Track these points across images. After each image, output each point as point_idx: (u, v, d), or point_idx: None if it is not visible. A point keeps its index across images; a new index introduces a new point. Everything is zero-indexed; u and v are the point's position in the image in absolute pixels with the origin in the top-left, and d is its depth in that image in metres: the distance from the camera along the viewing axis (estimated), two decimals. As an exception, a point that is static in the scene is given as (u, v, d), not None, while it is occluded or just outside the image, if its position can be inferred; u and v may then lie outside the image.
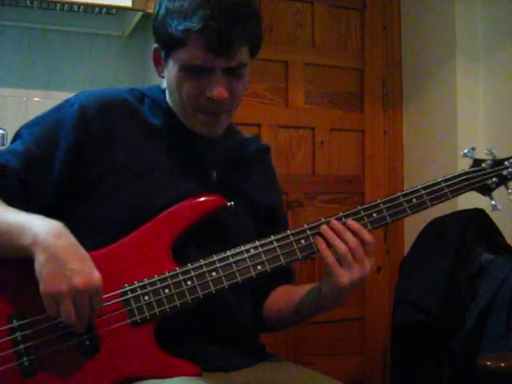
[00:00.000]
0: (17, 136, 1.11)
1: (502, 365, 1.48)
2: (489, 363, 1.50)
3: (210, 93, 1.05)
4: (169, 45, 1.05)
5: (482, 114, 2.54)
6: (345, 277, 1.01)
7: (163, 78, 1.14)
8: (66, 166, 1.05)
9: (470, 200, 2.29)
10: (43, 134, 1.08)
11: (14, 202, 1.02)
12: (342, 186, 2.72)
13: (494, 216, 2.11)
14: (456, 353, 1.91)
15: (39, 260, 0.91)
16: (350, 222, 1.04)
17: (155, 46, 1.11)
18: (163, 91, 1.19)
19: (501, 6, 2.47)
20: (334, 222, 1.04)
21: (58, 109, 1.11)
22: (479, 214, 2.09)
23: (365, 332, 2.75)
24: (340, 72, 2.76)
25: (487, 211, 2.11)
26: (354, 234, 1.03)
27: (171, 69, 1.08)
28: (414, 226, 2.58)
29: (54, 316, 0.91)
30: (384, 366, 2.74)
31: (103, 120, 1.08)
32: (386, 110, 2.84)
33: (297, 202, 2.61)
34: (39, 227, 0.93)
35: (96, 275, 0.92)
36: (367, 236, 1.03)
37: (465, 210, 2.15)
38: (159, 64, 1.13)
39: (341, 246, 1.01)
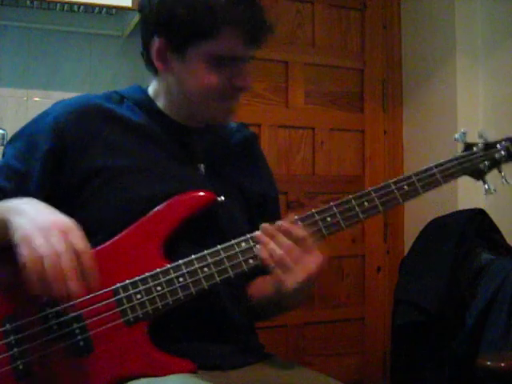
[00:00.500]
0: (4, 152, 1.14)
1: (502, 365, 1.48)
2: (489, 363, 1.50)
3: (239, 82, 1.08)
4: (194, 36, 1.04)
5: (482, 113, 2.54)
6: (289, 281, 0.97)
7: (166, 72, 1.11)
8: (43, 175, 1.06)
9: (470, 200, 2.30)
10: (21, 148, 1.10)
11: None
12: (342, 186, 2.72)
13: (494, 216, 2.11)
14: (456, 353, 1.91)
15: (13, 220, 0.91)
16: (281, 223, 1.00)
17: (159, 40, 1.08)
18: (143, 91, 1.19)
19: (501, 6, 2.47)
20: (264, 226, 1.01)
21: (35, 121, 1.13)
22: (479, 213, 2.09)
23: (365, 332, 2.75)
24: (340, 72, 2.76)
25: (487, 211, 2.12)
26: (288, 234, 0.99)
27: (191, 61, 1.06)
28: (414, 226, 2.58)
29: (27, 256, 0.86)
30: (384, 366, 2.74)
31: (77, 127, 1.08)
32: (386, 110, 2.84)
33: (297, 201, 2.61)
34: (12, 202, 0.97)
35: (64, 217, 0.92)
36: (299, 232, 0.99)
37: (465, 210, 2.15)
38: (163, 60, 1.10)
39: (275, 251, 0.98)
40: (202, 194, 1.05)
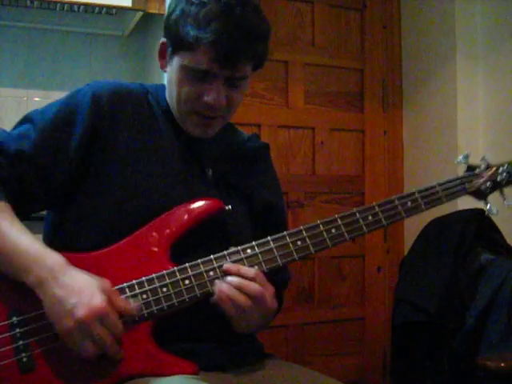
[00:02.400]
0: (26, 119, 1.11)
1: (502, 365, 1.49)
2: (489, 363, 1.50)
3: (208, 98, 1.08)
4: (177, 45, 1.08)
5: (482, 113, 2.54)
6: (236, 312, 1.01)
7: (165, 72, 1.15)
8: (79, 152, 1.07)
9: (469, 200, 2.30)
10: (58, 120, 1.09)
11: (28, 189, 1.04)
12: (342, 185, 2.72)
13: (494, 216, 2.11)
14: (456, 353, 1.91)
15: (45, 303, 0.94)
16: (226, 266, 1.02)
17: (163, 40, 1.13)
18: (164, 90, 1.20)
19: (501, 6, 2.47)
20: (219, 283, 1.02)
21: (72, 96, 1.13)
22: (479, 213, 2.09)
23: (365, 332, 2.75)
24: (340, 72, 2.76)
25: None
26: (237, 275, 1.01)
27: (174, 66, 1.10)
28: (413, 226, 2.58)
29: (77, 351, 0.93)
30: (384, 366, 2.74)
31: (115, 109, 1.10)
32: (386, 110, 2.84)
33: (297, 201, 2.61)
34: (41, 267, 0.95)
35: (96, 300, 0.92)
36: (248, 272, 1.01)
37: (465, 210, 2.15)
38: (164, 58, 1.14)
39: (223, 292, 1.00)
40: (210, 202, 1.08)
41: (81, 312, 0.90)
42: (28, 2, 2.49)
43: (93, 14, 2.64)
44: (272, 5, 2.62)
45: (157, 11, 2.40)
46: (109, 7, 2.49)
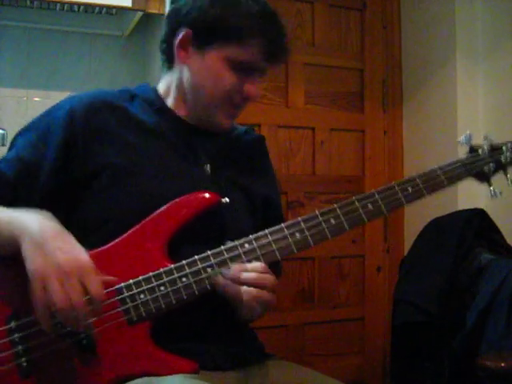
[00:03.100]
0: (12, 145, 1.13)
1: (502, 365, 1.49)
2: (489, 363, 1.50)
3: (250, 90, 1.12)
4: (221, 35, 1.09)
5: (482, 113, 2.54)
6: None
7: (185, 64, 1.13)
8: (57, 163, 1.06)
9: (470, 200, 2.30)
10: (34, 139, 1.09)
11: (8, 204, 1.03)
12: (342, 185, 2.72)
13: (494, 216, 2.11)
14: (456, 353, 1.91)
15: (24, 244, 0.91)
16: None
17: (188, 31, 1.11)
18: (153, 89, 1.20)
19: (501, 6, 2.47)
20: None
21: (48, 113, 1.13)
22: (479, 213, 2.09)
23: (365, 332, 2.75)
24: (340, 72, 2.76)
25: (487, 211, 2.12)
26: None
27: (209, 58, 1.10)
28: (413, 225, 2.58)
29: (40, 299, 0.88)
30: (384, 366, 2.74)
31: (91, 120, 1.09)
32: (386, 110, 2.84)
33: (297, 201, 2.61)
34: (25, 217, 0.95)
35: (81, 254, 0.92)
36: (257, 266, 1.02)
37: (465, 210, 2.15)
38: (185, 50, 1.13)
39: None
40: (205, 195, 1.06)
41: (61, 256, 0.89)
42: (28, 2, 2.49)
43: (93, 14, 2.64)
44: (272, 5, 2.61)
45: (157, 11, 2.40)
46: (109, 7, 2.49)
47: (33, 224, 0.93)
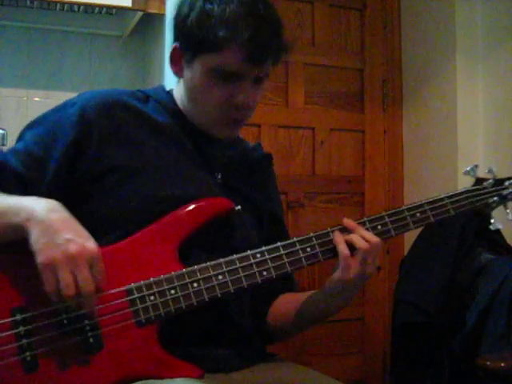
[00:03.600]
0: (20, 137, 1.12)
1: (502, 365, 1.49)
2: (489, 363, 1.50)
3: (239, 100, 1.07)
4: (200, 47, 1.05)
5: (482, 113, 2.54)
6: (357, 270, 1.03)
7: (180, 78, 1.13)
8: (62, 164, 1.05)
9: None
10: (43, 134, 1.08)
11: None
12: (342, 185, 2.72)
13: (494, 216, 2.11)
14: (456, 353, 1.91)
15: (34, 233, 0.91)
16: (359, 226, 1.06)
17: (176, 44, 1.10)
18: (168, 92, 1.19)
19: (501, 6, 2.47)
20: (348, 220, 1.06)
21: (60, 109, 1.11)
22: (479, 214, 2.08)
23: (365, 332, 2.75)
24: (340, 72, 2.76)
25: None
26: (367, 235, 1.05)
27: (196, 71, 1.08)
28: (413, 225, 2.58)
29: (53, 290, 0.89)
30: (384, 366, 2.74)
31: (104, 119, 1.08)
32: (386, 110, 2.84)
33: (297, 201, 2.61)
34: (33, 205, 0.94)
35: (91, 243, 0.91)
36: (377, 238, 1.06)
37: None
38: (178, 64, 1.12)
39: (361, 241, 1.03)
40: (221, 201, 1.07)
41: (74, 247, 0.89)
42: (28, 2, 2.49)
43: (93, 14, 2.64)
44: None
45: (157, 11, 2.40)
46: (109, 7, 2.49)
47: (41, 212, 0.92)
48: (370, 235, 1.04)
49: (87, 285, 0.89)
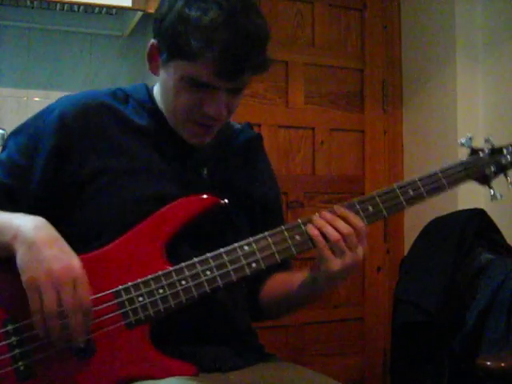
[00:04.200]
0: (4, 146, 1.12)
1: (502, 365, 1.48)
2: (489, 363, 1.50)
3: (209, 110, 1.04)
4: (175, 52, 1.02)
5: (482, 113, 2.54)
6: (337, 263, 1.00)
7: (156, 75, 1.11)
8: (47, 172, 1.05)
9: (470, 200, 2.30)
10: (25, 142, 1.08)
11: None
12: (342, 185, 2.72)
13: (494, 216, 2.11)
14: (456, 353, 1.91)
15: (19, 252, 0.91)
16: (341, 210, 1.03)
17: (154, 42, 1.07)
18: (148, 90, 1.17)
19: (501, 6, 2.47)
20: (324, 211, 1.03)
21: (39, 116, 1.11)
22: (479, 213, 2.09)
23: (365, 332, 2.75)
24: (340, 72, 2.76)
25: (487, 211, 2.12)
26: (346, 221, 1.01)
27: (170, 74, 1.05)
28: (413, 226, 2.58)
29: (37, 309, 0.89)
30: (384, 366, 2.74)
31: (84, 123, 1.07)
32: (386, 110, 2.84)
33: (297, 201, 2.61)
34: (20, 223, 0.94)
35: (75, 262, 0.91)
36: (359, 223, 1.02)
37: (465, 210, 2.15)
38: (154, 61, 1.09)
39: (332, 233, 1.00)
40: (205, 196, 1.05)
41: (57, 265, 0.89)
42: (28, 2, 2.48)
43: (93, 14, 2.63)
44: (272, 5, 2.62)
45: (157, 11, 2.40)
46: (109, 7, 2.49)
47: (27, 230, 0.92)
48: (342, 225, 1.00)
49: (71, 303, 0.89)
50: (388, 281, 2.77)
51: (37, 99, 2.62)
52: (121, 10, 2.51)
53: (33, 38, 2.63)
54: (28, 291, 0.89)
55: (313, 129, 2.68)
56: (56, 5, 2.50)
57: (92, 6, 2.50)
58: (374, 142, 2.80)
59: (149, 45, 1.08)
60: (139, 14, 2.47)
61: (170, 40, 1.02)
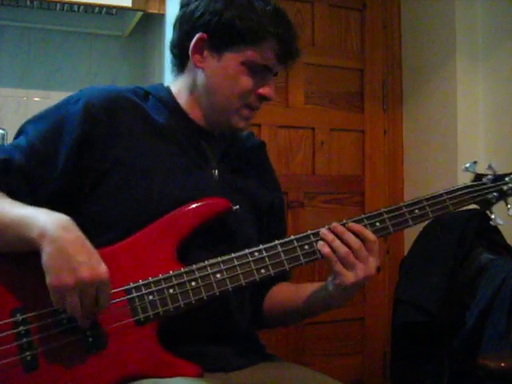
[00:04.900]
0: (21, 131, 1.11)
1: (502, 365, 1.48)
2: (489, 363, 1.50)
3: (266, 92, 1.14)
4: (238, 39, 1.09)
5: (482, 113, 2.54)
6: (349, 277, 1.02)
7: (197, 67, 1.13)
8: (70, 162, 1.05)
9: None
10: (47, 130, 1.07)
11: (18, 198, 1.02)
12: (342, 185, 2.72)
13: (495, 212, 2.11)
14: (456, 353, 1.91)
15: (46, 252, 0.91)
16: (350, 224, 1.06)
17: (202, 34, 1.11)
18: (168, 89, 1.19)
19: (501, 6, 2.47)
20: (334, 225, 1.06)
21: (63, 105, 1.10)
22: (479, 213, 2.08)
23: (365, 332, 2.75)
24: (340, 72, 2.76)
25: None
26: (356, 234, 1.04)
27: (226, 61, 1.11)
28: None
29: (60, 309, 0.92)
30: (384, 366, 2.74)
31: (108, 116, 1.08)
32: (386, 110, 2.84)
33: (297, 201, 2.61)
34: (47, 220, 0.93)
35: (102, 268, 0.92)
36: (370, 235, 1.05)
37: (465, 211, 2.15)
38: (199, 54, 1.13)
39: (341, 248, 1.03)
40: (218, 201, 1.08)
41: (86, 273, 0.90)
42: (28, 2, 2.48)
43: (93, 13, 2.63)
44: (272, 5, 2.61)
45: (157, 11, 2.40)
46: (109, 7, 2.48)
47: (54, 229, 0.92)
48: (352, 239, 1.03)
49: (90, 307, 0.92)
50: (388, 281, 2.77)
51: (37, 99, 2.62)
52: (121, 10, 2.50)
53: (33, 38, 2.63)
54: (52, 292, 0.90)
55: (313, 129, 2.68)
56: (56, 5, 2.50)
57: (92, 6, 2.50)
58: (374, 142, 2.81)
59: (195, 38, 1.11)
60: (139, 14, 2.47)
61: (232, 29, 1.09)
